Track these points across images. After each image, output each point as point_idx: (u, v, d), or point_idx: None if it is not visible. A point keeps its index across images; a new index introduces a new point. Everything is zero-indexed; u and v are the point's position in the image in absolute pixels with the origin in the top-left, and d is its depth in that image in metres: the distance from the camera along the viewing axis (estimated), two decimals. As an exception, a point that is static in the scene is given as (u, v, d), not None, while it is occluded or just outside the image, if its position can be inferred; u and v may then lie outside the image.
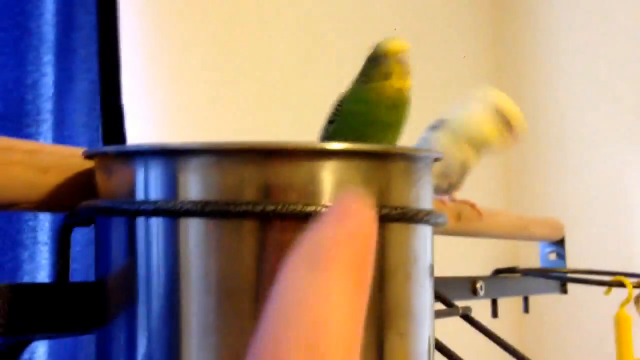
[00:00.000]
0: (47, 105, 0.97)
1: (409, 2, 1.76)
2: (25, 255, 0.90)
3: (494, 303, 0.94)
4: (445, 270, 0.82)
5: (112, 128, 1.03)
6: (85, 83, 1.03)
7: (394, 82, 0.59)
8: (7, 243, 0.86)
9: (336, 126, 0.64)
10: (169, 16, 1.23)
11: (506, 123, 0.80)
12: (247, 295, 0.35)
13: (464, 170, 0.81)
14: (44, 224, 0.90)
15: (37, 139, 0.95)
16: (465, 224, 0.88)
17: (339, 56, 1.51)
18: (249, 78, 1.31)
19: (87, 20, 1.03)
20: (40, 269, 0.91)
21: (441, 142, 0.79)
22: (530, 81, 2.01)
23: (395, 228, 0.38)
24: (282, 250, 0.36)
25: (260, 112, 1.34)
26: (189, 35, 1.25)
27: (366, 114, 0.61)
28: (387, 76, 0.59)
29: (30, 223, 0.89)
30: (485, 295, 0.89)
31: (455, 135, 0.79)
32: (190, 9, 1.25)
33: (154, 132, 1.17)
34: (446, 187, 0.83)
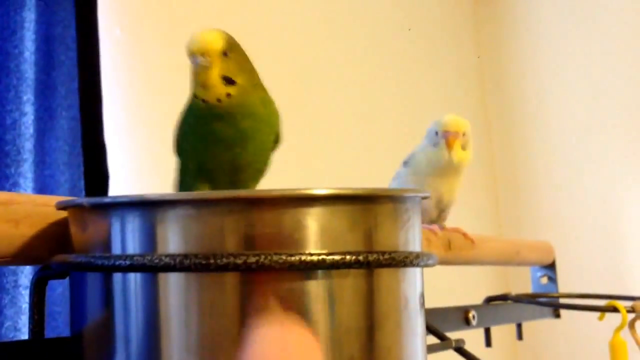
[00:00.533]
0: (27, 145, 0.95)
1: (392, 11, 1.75)
2: (6, 299, 0.87)
3: (487, 332, 0.93)
4: (436, 300, 0.80)
5: (94, 166, 1.01)
6: (67, 120, 1.01)
7: (199, 92, 0.49)
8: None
9: (180, 143, 0.54)
10: (151, 51, 1.22)
11: (442, 136, 0.74)
12: (230, 351, 0.34)
13: (441, 203, 0.78)
14: (24, 267, 0.88)
15: (17, 180, 0.93)
16: (456, 253, 0.87)
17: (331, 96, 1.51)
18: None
19: (67, 57, 1.02)
20: (21, 313, 0.88)
21: (409, 179, 0.77)
22: (519, 104, 2.01)
23: (385, 273, 0.37)
24: (266, 302, 0.34)
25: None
26: (172, 70, 1.24)
27: (194, 130, 0.51)
28: (194, 86, 0.49)
29: (11, 267, 0.86)
30: (478, 325, 0.88)
31: (417, 170, 0.77)
32: (173, 43, 1.24)
33: (137, 169, 1.15)
34: (435, 218, 0.80)
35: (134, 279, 0.35)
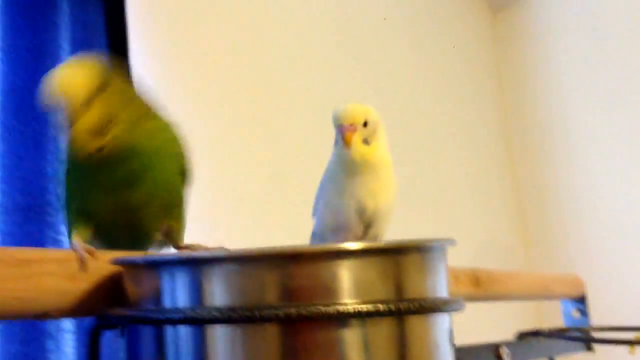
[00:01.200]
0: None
1: (408, 28, 1.78)
2: (51, 344, 0.91)
3: (520, 367, 0.93)
4: (467, 337, 0.81)
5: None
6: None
7: (68, 147, 0.43)
8: (33, 332, 0.88)
9: (61, 185, 0.49)
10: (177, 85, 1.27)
11: (338, 131, 0.63)
12: (274, 396, 0.36)
13: (364, 213, 0.65)
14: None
15: (59, 227, 0.97)
16: (485, 289, 0.89)
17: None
18: (251, 176, 1.34)
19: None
20: (65, 358, 0.91)
21: (327, 187, 0.67)
22: (542, 130, 2.01)
23: (415, 320, 0.39)
24: (305, 350, 0.37)
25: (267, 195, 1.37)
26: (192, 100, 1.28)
27: (73, 175, 0.46)
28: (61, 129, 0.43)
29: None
30: (511, 360, 0.89)
31: (332, 175, 0.66)
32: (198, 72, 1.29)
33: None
34: (361, 234, 0.66)
35: (184, 331, 0.38)
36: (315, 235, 0.70)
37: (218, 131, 1.25)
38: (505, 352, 0.88)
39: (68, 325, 0.92)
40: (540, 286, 1.02)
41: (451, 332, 0.43)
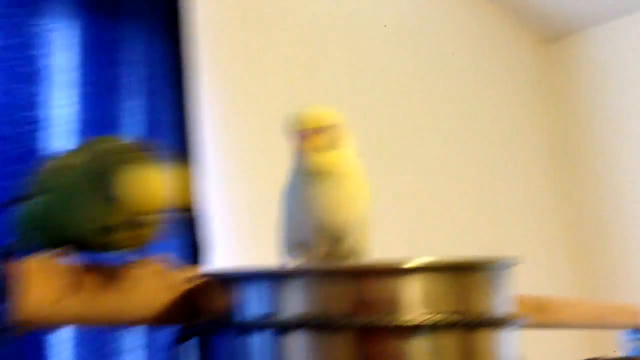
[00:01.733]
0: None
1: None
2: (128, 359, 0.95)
3: (578, 396, 0.93)
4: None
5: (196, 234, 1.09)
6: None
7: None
8: (112, 347, 0.92)
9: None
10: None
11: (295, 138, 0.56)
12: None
13: (329, 227, 0.56)
14: (139, 328, 0.96)
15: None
16: (547, 316, 0.89)
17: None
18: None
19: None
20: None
21: (287, 197, 0.59)
22: (590, 157, 2.00)
23: (482, 333, 0.42)
24: (377, 358, 0.39)
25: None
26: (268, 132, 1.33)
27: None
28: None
29: (126, 329, 0.94)
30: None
31: (293, 183, 0.58)
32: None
33: (238, 238, 1.23)
34: (325, 253, 0.57)
35: (264, 338, 0.41)
36: (281, 252, 0.60)
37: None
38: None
39: (142, 341, 0.96)
40: (598, 315, 1.02)
41: (517, 352, 0.45)
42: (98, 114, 1.02)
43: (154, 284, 0.48)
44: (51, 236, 0.45)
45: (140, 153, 0.44)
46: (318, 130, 0.55)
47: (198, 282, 0.47)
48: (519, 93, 2.04)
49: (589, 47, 2.10)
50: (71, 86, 0.98)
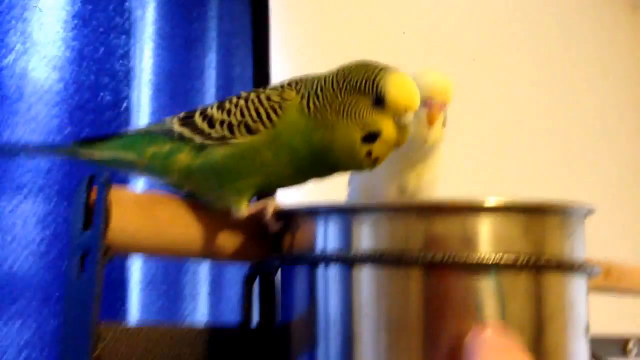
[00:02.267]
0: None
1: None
2: (190, 306, 0.99)
3: (647, 364, 0.91)
4: (594, 328, 0.80)
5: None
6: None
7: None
8: (178, 292, 0.96)
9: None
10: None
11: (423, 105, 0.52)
12: (415, 334, 0.40)
13: (403, 192, 0.57)
14: (206, 277, 1.00)
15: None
16: (614, 281, 0.87)
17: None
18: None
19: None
20: (201, 317, 1.00)
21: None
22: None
23: (552, 277, 0.41)
24: (446, 294, 0.40)
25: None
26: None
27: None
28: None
29: (196, 276, 0.98)
30: (637, 355, 0.87)
31: None
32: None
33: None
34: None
35: (335, 272, 0.42)
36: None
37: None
38: (634, 346, 0.86)
39: (205, 289, 1.00)
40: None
41: (586, 301, 0.45)
42: (178, 66, 1.05)
43: (226, 218, 0.50)
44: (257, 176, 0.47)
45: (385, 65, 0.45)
46: (447, 105, 0.53)
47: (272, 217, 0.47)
48: (610, 55, 1.98)
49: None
50: (152, 39, 1.01)
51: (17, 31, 0.86)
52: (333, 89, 0.45)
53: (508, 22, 1.67)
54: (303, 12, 1.31)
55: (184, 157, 0.48)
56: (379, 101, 0.44)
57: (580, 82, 1.83)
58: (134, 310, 0.92)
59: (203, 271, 1.00)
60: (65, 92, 0.88)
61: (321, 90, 0.45)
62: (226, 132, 0.47)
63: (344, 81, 0.45)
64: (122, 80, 0.96)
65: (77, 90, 0.90)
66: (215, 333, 0.50)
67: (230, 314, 1.03)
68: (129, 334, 0.45)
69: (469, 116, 1.44)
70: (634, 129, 2.01)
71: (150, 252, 0.49)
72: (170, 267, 0.95)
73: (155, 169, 0.50)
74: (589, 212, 0.45)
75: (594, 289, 0.78)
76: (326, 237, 0.43)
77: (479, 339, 0.38)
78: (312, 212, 0.44)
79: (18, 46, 0.86)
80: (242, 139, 0.46)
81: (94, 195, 0.44)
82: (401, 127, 0.44)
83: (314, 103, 0.45)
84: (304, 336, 0.44)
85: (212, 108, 0.49)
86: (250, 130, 0.46)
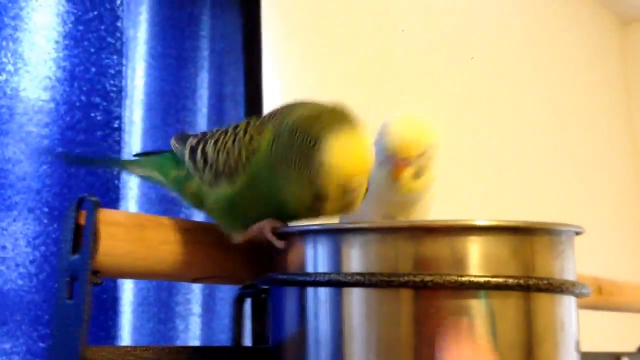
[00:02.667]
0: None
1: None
2: (181, 325, 0.99)
3: (641, 381, 0.91)
4: (587, 345, 0.80)
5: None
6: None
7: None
8: (169, 314, 0.96)
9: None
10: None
11: (387, 161, 0.52)
12: (405, 356, 0.40)
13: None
14: (198, 297, 0.99)
15: (189, 214, 1.06)
16: (606, 298, 0.87)
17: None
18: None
19: (236, 112, 1.15)
20: (193, 338, 0.99)
21: (367, 202, 0.51)
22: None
23: (542, 297, 0.41)
24: (437, 316, 0.40)
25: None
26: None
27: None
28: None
29: (188, 296, 0.98)
30: (631, 372, 0.87)
31: (373, 192, 0.51)
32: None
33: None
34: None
35: (325, 293, 0.42)
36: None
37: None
38: (627, 363, 0.86)
39: (197, 309, 0.99)
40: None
41: (577, 321, 0.45)
42: (170, 85, 1.05)
43: (217, 240, 0.50)
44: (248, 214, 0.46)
45: (344, 116, 0.43)
46: (413, 158, 0.51)
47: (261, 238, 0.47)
48: (598, 73, 1.99)
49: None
50: (144, 59, 1.01)
51: (8, 51, 0.86)
52: (289, 136, 0.43)
53: (497, 40, 1.68)
54: (295, 31, 1.31)
55: (193, 186, 0.50)
56: (322, 166, 0.41)
57: (570, 98, 1.84)
58: (126, 331, 0.91)
59: (195, 291, 1.00)
60: (56, 112, 0.88)
61: (286, 132, 0.43)
62: (212, 179, 0.48)
63: (295, 133, 0.43)
64: (113, 99, 0.96)
65: (69, 110, 0.89)
66: (207, 353, 0.50)
67: (222, 334, 1.02)
68: (119, 355, 0.45)
69: (460, 139, 1.45)
70: (624, 145, 2.02)
71: (140, 276, 0.49)
72: (161, 287, 0.95)
73: (176, 191, 0.53)
74: (578, 232, 0.45)
75: (585, 306, 0.78)
76: (316, 258, 0.43)
77: None
78: (302, 233, 0.44)
79: (9, 66, 0.86)
80: (223, 190, 0.47)
81: (82, 219, 0.44)
82: (348, 192, 0.42)
83: (277, 148, 0.44)
84: (295, 357, 0.44)
85: (212, 139, 0.49)
86: (230, 179, 0.46)
